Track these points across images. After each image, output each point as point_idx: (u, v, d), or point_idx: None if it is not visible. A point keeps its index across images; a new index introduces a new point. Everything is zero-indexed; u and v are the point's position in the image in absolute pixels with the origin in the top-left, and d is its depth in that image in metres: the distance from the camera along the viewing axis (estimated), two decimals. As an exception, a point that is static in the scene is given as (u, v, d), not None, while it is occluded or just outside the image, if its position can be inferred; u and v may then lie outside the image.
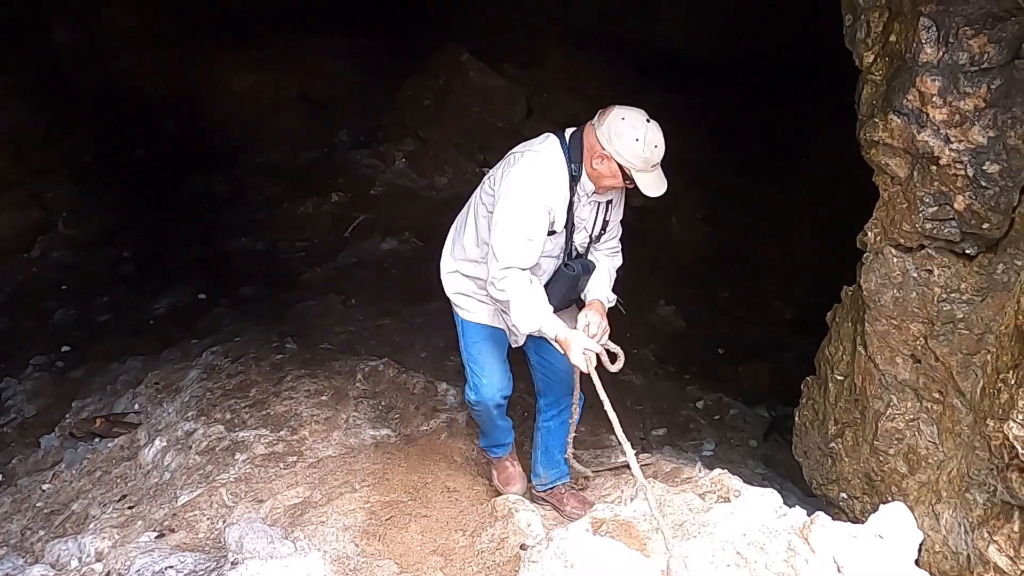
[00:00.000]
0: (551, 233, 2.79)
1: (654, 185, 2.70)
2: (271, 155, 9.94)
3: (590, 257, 2.97)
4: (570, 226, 2.80)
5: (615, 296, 2.99)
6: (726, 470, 3.15)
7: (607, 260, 3.03)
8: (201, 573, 2.62)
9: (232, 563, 2.45)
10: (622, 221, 3.06)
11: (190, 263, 8.21)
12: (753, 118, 9.72)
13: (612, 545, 2.15)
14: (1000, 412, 2.30)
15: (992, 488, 2.50)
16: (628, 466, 3.29)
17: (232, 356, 6.06)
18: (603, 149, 2.64)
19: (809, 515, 2.43)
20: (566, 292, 2.93)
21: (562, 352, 2.69)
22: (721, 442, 5.96)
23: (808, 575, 2.13)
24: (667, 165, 9.42)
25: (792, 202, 9.22)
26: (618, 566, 2.04)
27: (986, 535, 2.41)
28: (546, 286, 2.86)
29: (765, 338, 7.73)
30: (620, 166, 2.65)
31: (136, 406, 5.73)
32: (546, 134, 2.83)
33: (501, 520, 2.76)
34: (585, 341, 2.65)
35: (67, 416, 5.81)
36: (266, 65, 10.53)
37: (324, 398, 5.07)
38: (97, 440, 5.31)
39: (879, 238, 3.07)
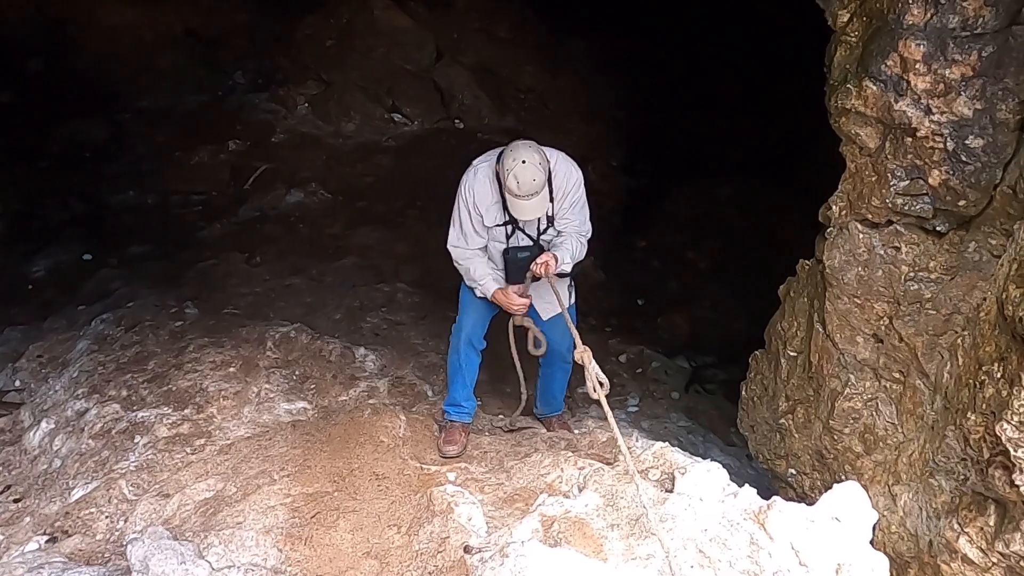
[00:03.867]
0: (497, 226, 3.49)
1: (523, 211, 3.28)
2: (157, 98, 9.13)
3: (555, 239, 3.58)
4: (511, 222, 3.45)
5: (569, 256, 3.52)
6: (667, 443, 3.05)
7: (565, 237, 3.57)
8: (102, 594, 2.32)
9: (138, 587, 2.17)
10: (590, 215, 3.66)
11: (70, 220, 7.48)
12: (669, 65, 9.62)
13: (568, 557, 2.00)
14: (984, 407, 2.23)
15: (962, 477, 2.46)
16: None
17: (126, 324, 5.56)
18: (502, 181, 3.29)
19: (761, 494, 2.34)
20: (515, 268, 3.54)
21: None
22: (644, 396, 5.96)
23: (772, 569, 2.06)
24: (581, 112, 9.22)
25: (708, 149, 9.23)
26: (578, 579, 1.90)
27: (956, 525, 2.39)
28: (506, 267, 3.58)
29: (681, 288, 7.77)
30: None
31: (17, 382, 5.20)
32: (494, 152, 3.47)
33: (440, 516, 2.55)
34: (514, 301, 3.48)
35: (-64, 397, 5.21)
36: (146, -3, 9.57)
37: (232, 369, 4.70)
38: (-27, 423, 4.77)
39: (844, 212, 2.92)
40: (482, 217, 3.44)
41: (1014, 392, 2.08)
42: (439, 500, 2.61)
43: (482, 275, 3.50)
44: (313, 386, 4.66)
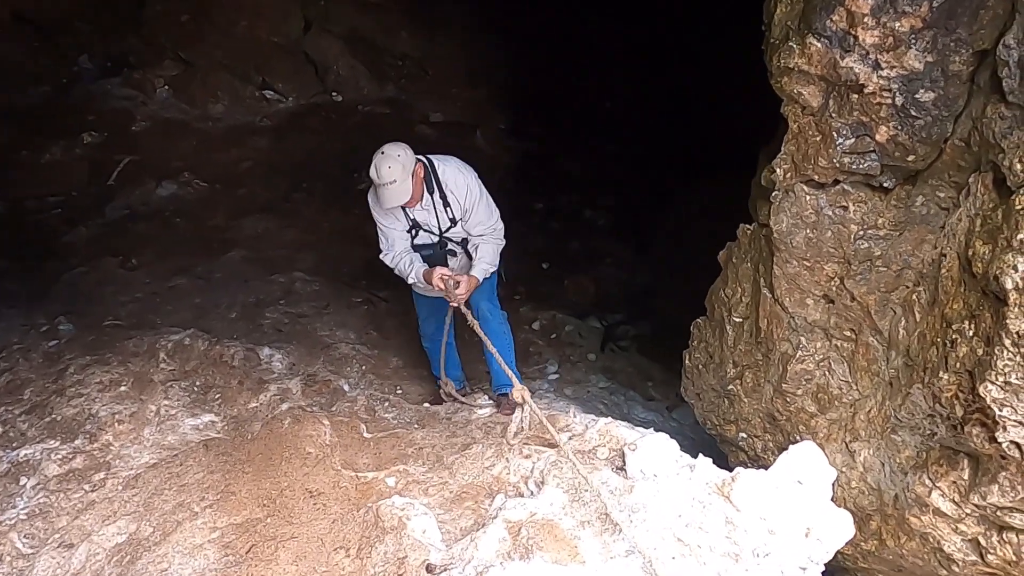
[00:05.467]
0: (406, 232, 3.89)
1: (385, 199, 3.63)
2: (-8, 93, 8.17)
3: (470, 244, 3.96)
4: (415, 226, 3.86)
5: (488, 266, 3.89)
6: (611, 418, 2.97)
7: (479, 243, 3.92)
8: None
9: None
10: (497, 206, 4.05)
11: (-94, 238, 6.61)
12: (548, 21, 9.46)
13: (546, 571, 1.87)
14: (957, 366, 2.24)
15: (928, 432, 2.48)
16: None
17: (-10, 351, 4.99)
18: None
19: (688, 449, 2.27)
20: (437, 260, 3.92)
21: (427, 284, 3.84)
22: (563, 361, 5.93)
23: (751, 546, 2.02)
24: (463, 76, 9.13)
25: (593, 106, 9.21)
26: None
27: (927, 481, 2.41)
28: (425, 258, 3.93)
29: (583, 248, 7.77)
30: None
31: None
32: None
33: (392, 533, 2.35)
34: (439, 271, 3.75)
35: None
36: (-37, -20, 8.50)
37: (123, 388, 4.29)
38: None
39: (789, 174, 2.82)
40: (394, 223, 3.83)
41: (995, 352, 2.08)
42: (388, 515, 2.42)
43: (408, 265, 3.85)
44: (218, 395, 4.32)
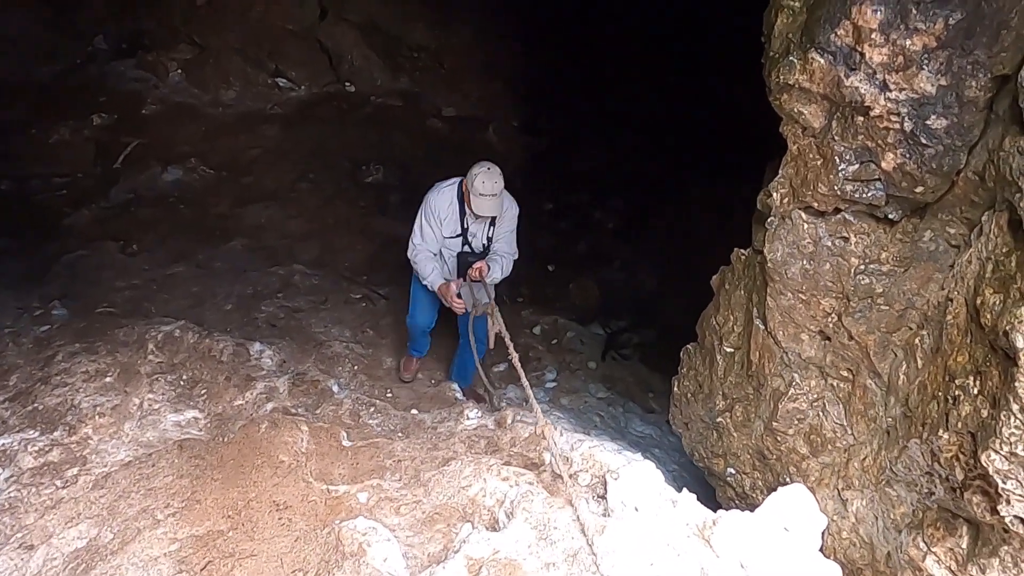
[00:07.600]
0: (451, 237, 4.30)
1: (483, 208, 4.06)
2: (3, 70, 8.12)
3: (490, 255, 4.40)
4: (464, 234, 4.28)
5: (498, 276, 4.35)
6: (595, 442, 2.84)
7: (498, 256, 4.38)
8: None
9: None
10: (517, 242, 4.48)
11: (-92, 213, 6.59)
12: (565, 16, 9.29)
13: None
14: (959, 426, 2.06)
15: (926, 491, 2.30)
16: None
17: (-20, 333, 4.94)
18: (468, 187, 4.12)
19: (688, 472, 2.15)
20: (466, 269, 4.33)
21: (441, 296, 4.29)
22: (562, 368, 5.79)
23: (724, 601, 1.88)
24: (478, 70, 8.99)
25: (609, 106, 9.03)
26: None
27: (922, 544, 2.23)
28: (458, 269, 4.38)
29: (591, 250, 7.62)
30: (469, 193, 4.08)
31: None
32: (455, 179, 4.27)
33: (351, 559, 2.25)
34: (454, 302, 4.21)
35: None
36: (-18, -45, 8.46)
37: (108, 379, 4.21)
38: None
39: (787, 200, 2.63)
40: (441, 226, 4.24)
41: (1001, 417, 1.90)
42: (349, 539, 2.31)
43: (431, 271, 4.27)
44: (204, 391, 4.23)
